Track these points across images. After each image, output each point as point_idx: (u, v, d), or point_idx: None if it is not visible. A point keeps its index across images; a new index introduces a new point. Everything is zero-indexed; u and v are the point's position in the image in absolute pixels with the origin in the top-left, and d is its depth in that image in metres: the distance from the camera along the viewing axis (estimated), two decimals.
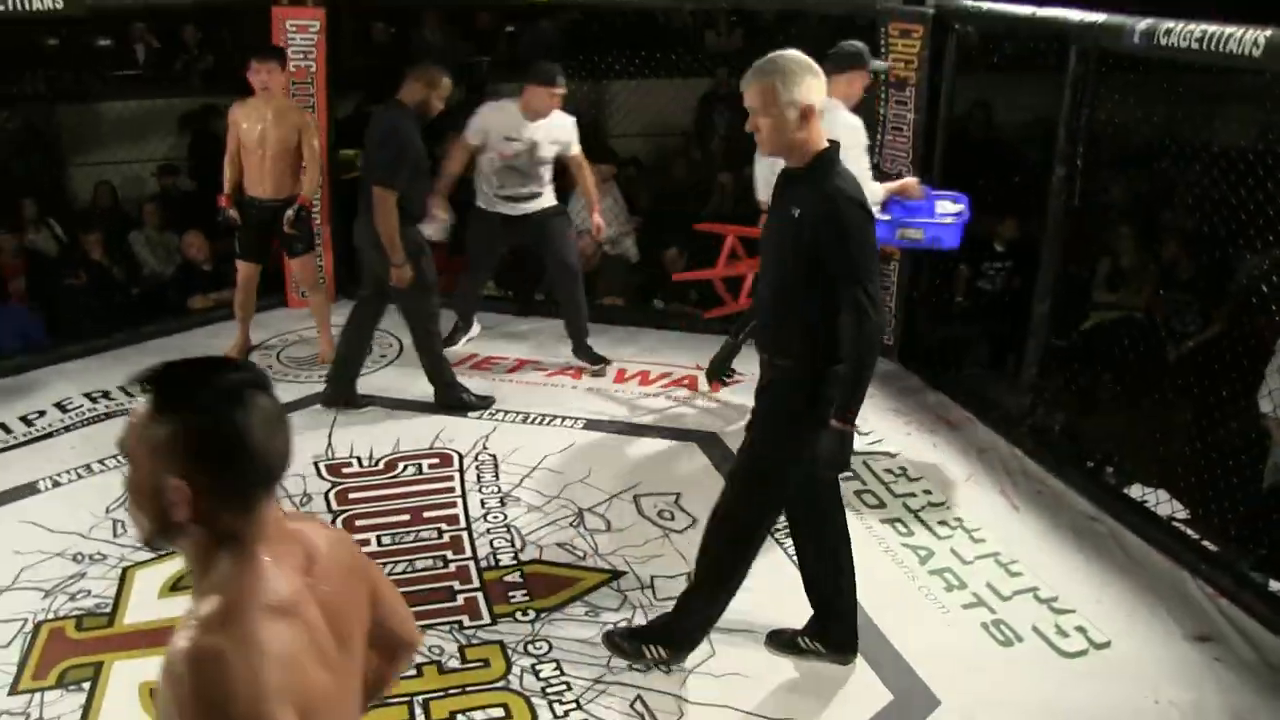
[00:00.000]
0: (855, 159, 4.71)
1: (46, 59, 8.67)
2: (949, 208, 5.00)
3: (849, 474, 4.70)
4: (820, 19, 9.01)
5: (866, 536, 4.35)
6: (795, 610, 3.79)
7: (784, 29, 9.64)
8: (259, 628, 1.42)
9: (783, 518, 3.62)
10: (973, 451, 5.08)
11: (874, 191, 4.77)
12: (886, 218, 4.84)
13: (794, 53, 3.09)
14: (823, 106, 3.10)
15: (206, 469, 1.46)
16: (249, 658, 1.39)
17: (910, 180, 5.11)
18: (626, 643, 3.59)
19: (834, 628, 3.60)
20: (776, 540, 4.16)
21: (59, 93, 8.54)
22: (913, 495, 4.68)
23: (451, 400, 5.37)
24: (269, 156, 5.60)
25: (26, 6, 5.35)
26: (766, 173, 5.14)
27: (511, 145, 5.51)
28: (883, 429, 5.26)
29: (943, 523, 4.47)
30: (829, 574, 3.58)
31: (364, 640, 1.69)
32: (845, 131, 4.67)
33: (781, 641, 3.66)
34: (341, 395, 5.39)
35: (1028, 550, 4.28)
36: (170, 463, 1.46)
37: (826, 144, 3.11)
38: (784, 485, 3.35)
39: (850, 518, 4.40)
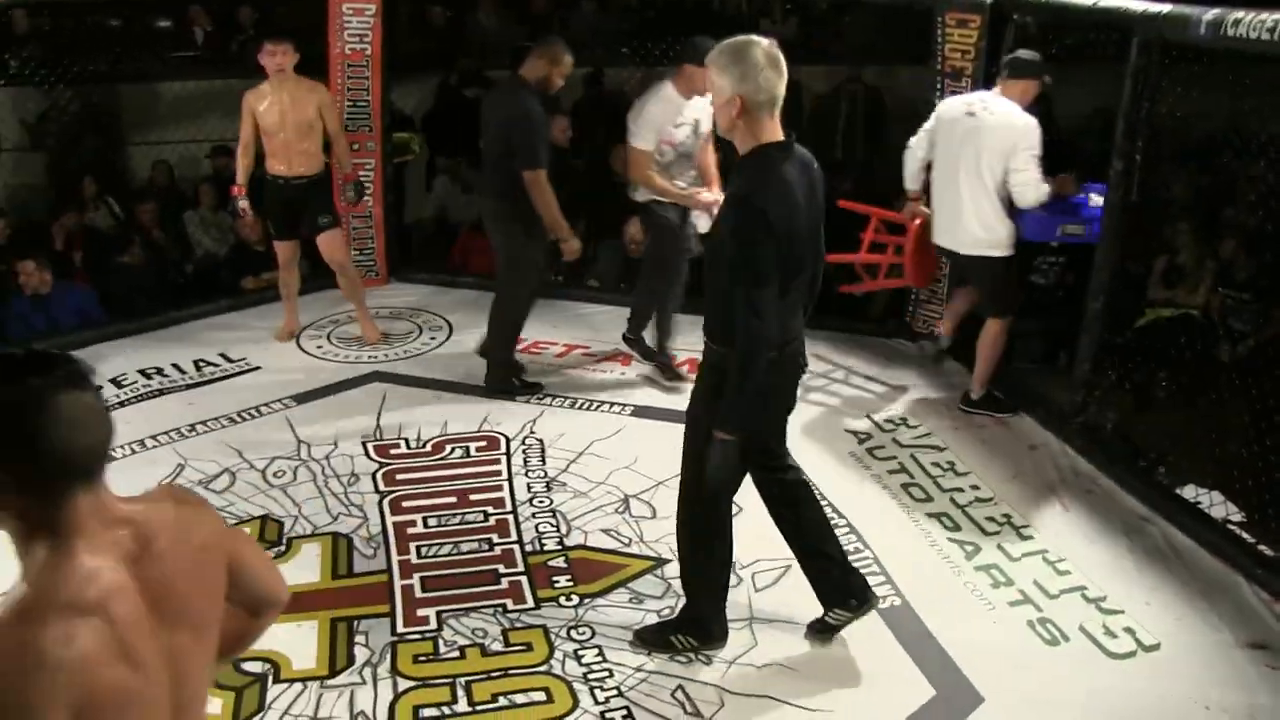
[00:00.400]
0: (1025, 162, 4.79)
1: (109, 40, 8.78)
2: (1101, 200, 4.99)
3: (896, 466, 4.76)
4: (876, 7, 8.97)
5: (913, 530, 4.33)
6: None
7: (839, 17, 9.60)
8: (45, 631, 1.45)
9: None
10: (1022, 447, 5.02)
11: (1042, 191, 4.83)
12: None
13: (746, 41, 3.03)
14: (761, 101, 3.01)
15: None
16: (23, 663, 1.43)
17: (1065, 178, 5.15)
18: (654, 637, 3.61)
19: (843, 584, 3.59)
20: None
21: (120, 73, 8.64)
22: (960, 490, 4.64)
23: (498, 385, 5.40)
24: (291, 137, 5.61)
25: None
26: (914, 162, 5.26)
27: (681, 130, 5.20)
28: (931, 422, 5.22)
29: (990, 519, 4.43)
30: (816, 552, 3.60)
31: (216, 610, 1.73)
32: (1022, 132, 4.78)
33: (818, 630, 3.65)
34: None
35: (1076, 549, 4.23)
36: None
37: (771, 140, 3.05)
38: (731, 453, 3.26)
39: (897, 511, 4.45)
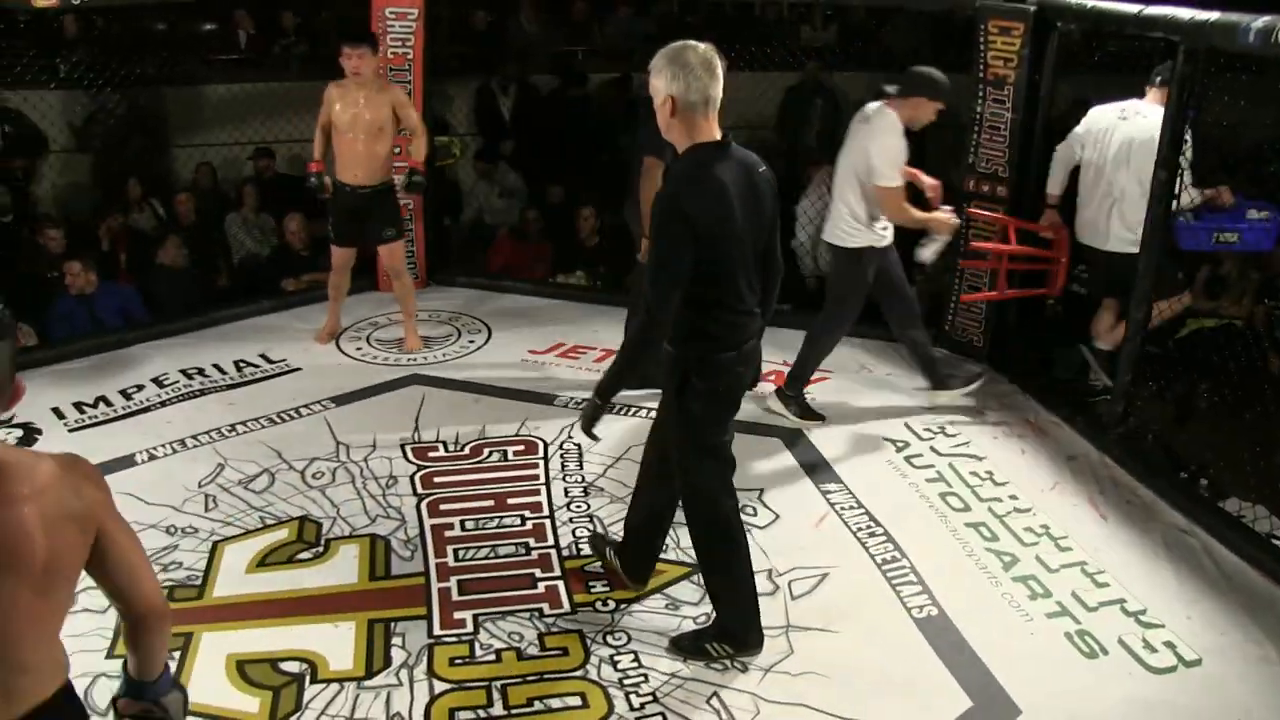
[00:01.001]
0: (1145, 170, 4.85)
1: (156, 44, 8.90)
2: (1258, 215, 5.11)
3: (934, 475, 4.74)
4: (918, 14, 8.93)
5: (950, 540, 4.30)
6: (873, 615, 3.79)
7: (880, 24, 9.57)
8: None
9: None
10: (1061, 458, 4.98)
11: (1186, 198, 4.86)
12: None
13: (681, 46, 3.13)
14: (691, 102, 3.09)
15: None
16: None
17: (1223, 189, 5.16)
18: (690, 644, 3.62)
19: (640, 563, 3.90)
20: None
21: (166, 76, 8.75)
22: (998, 500, 4.60)
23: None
24: (362, 140, 5.65)
25: None
26: (1061, 169, 5.44)
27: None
28: (970, 431, 5.18)
29: (1028, 529, 4.39)
30: (651, 532, 3.86)
31: (66, 578, 1.92)
32: (1140, 141, 4.97)
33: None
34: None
35: (1115, 561, 4.18)
36: None
37: (707, 140, 3.14)
38: (704, 448, 3.44)
39: (934, 520, 4.42)
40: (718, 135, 3.16)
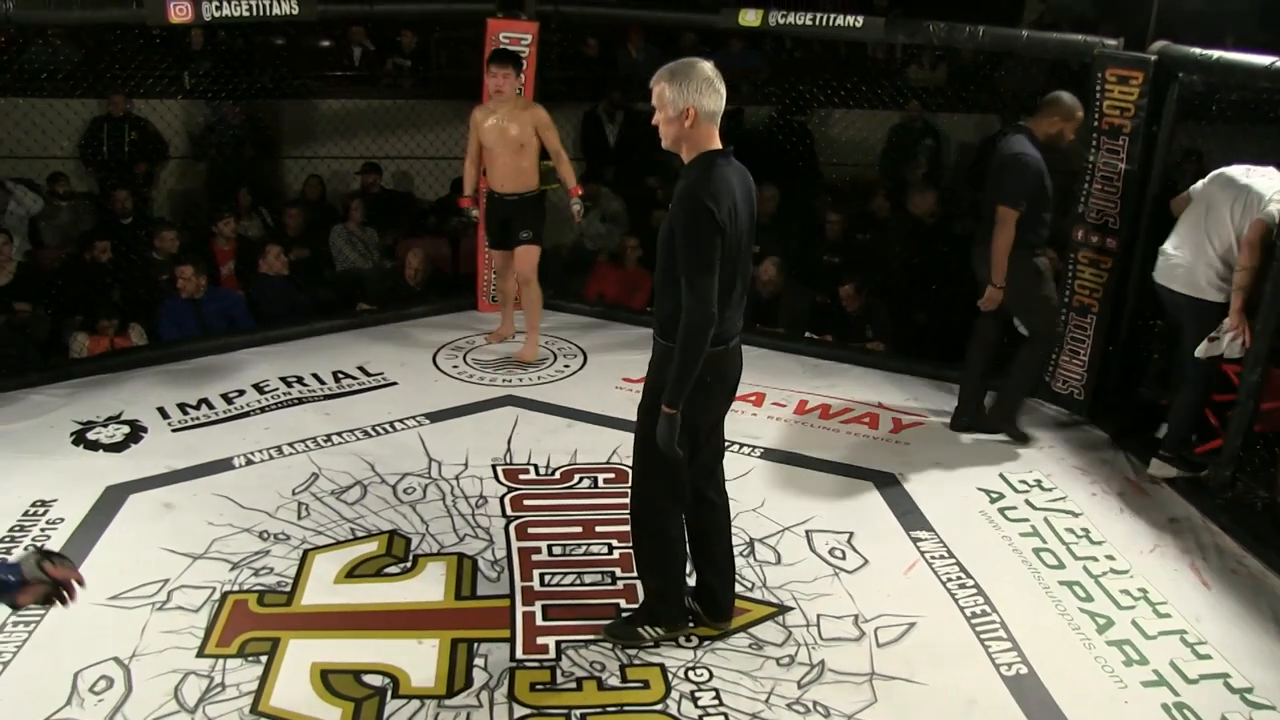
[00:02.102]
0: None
1: (274, 58, 9.15)
2: None
3: (1029, 529, 4.62)
4: (1031, 60, 8.80)
5: (1043, 597, 4.18)
6: (960, 668, 3.70)
7: (993, 68, 9.45)
8: None
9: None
10: (1162, 520, 4.82)
11: None
12: None
13: (692, 61, 3.36)
14: (710, 112, 3.32)
15: None
16: None
17: None
18: (621, 629, 3.79)
19: (710, 601, 3.89)
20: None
21: (282, 90, 9.00)
22: (1094, 559, 4.47)
23: (998, 428, 5.50)
24: (507, 155, 5.97)
25: (267, 11, 5.88)
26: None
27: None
28: (1066, 486, 5.05)
29: (1125, 591, 4.25)
30: (705, 554, 3.86)
31: None
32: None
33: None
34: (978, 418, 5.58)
35: (1219, 632, 4.02)
36: None
37: (715, 148, 3.34)
38: (667, 426, 3.43)
39: (1027, 575, 4.32)
40: (720, 145, 3.38)
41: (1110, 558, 4.48)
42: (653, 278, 3.64)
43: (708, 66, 3.35)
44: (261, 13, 5.86)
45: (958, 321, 6.09)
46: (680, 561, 3.77)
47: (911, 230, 7.76)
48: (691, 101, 3.29)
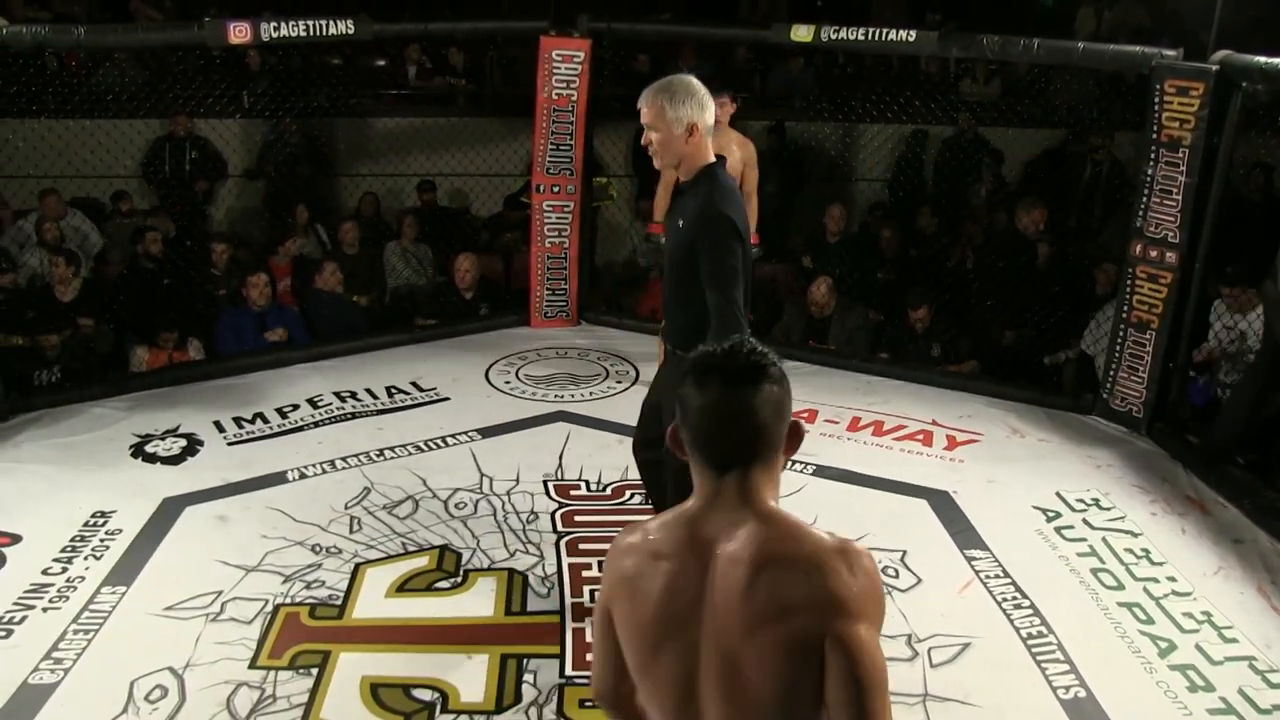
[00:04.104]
0: None
1: (330, 77, 9.29)
2: None
3: (1086, 549, 4.54)
4: (1088, 71, 8.70)
5: (1101, 619, 4.09)
6: (1016, 691, 3.63)
7: (1047, 81, 9.35)
8: (626, 533, 1.91)
9: None
10: (1226, 541, 4.71)
11: None
12: None
13: (683, 78, 3.44)
14: (709, 126, 3.41)
15: None
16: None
17: None
18: None
19: None
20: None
21: (338, 108, 9.13)
22: (1155, 580, 4.37)
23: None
24: None
25: (325, 31, 5.99)
26: None
27: None
28: (1125, 505, 4.95)
29: (1188, 614, 4.15)
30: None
31: (767, 688, 1.72)
32: None
33: None
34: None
35: None
36: None
37: (713, 160, 3.44)
38: None
39: (1084, 596, 4.24)
40: (713, 157, 3.47)
41: (1172, 579, 4.38)
42: (663, 292, 3.71)
43: (697, 82, 3.44)
44: (318, 33, 5.94)
45: (1050, 339, 5.99)
46: None
47: (1013, 246, 7.40)
48: (694, 117, 3.38)
